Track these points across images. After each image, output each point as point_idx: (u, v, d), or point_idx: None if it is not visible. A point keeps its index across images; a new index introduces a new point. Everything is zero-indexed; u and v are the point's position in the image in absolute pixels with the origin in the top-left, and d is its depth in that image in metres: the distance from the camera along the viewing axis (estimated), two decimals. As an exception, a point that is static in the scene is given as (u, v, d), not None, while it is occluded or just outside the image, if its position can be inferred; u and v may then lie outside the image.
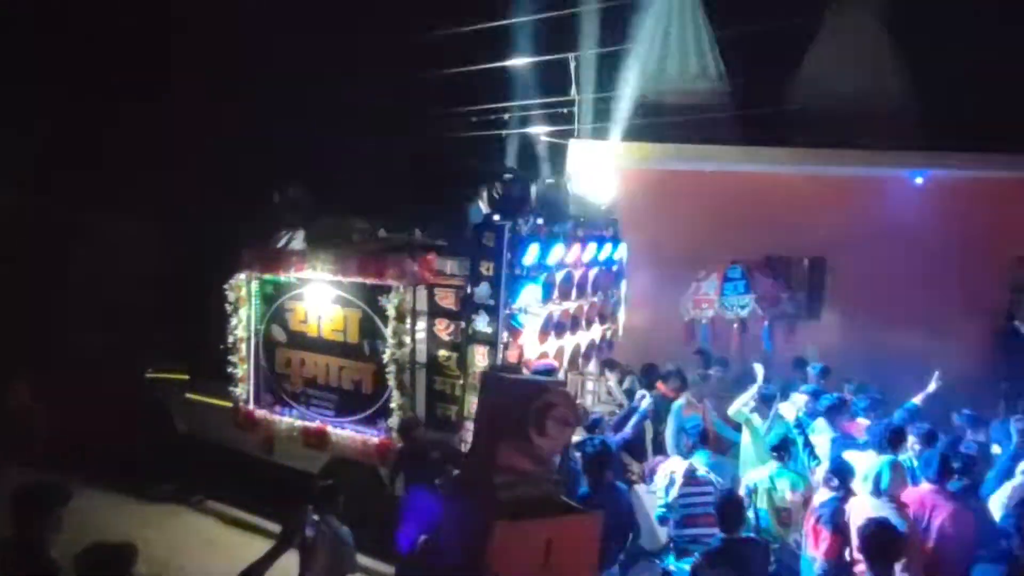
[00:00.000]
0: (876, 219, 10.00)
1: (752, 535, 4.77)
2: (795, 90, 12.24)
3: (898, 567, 4.01)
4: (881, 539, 3.89)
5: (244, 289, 7.29)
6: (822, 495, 4.97)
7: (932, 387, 6.60)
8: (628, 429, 6.24)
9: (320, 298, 6.86)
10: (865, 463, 5.07)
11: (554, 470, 3.55)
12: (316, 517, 4.29)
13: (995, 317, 9.88)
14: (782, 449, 5.48)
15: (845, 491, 4.84)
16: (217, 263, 7.50)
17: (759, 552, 4.48)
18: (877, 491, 4.65)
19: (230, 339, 7.37)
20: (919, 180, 10.13)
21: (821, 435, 6.10)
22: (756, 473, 5.57)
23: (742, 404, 6.17)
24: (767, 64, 11.43)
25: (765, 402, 6.53)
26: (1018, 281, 9.92)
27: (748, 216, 9.92)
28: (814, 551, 4.73)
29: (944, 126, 10.13)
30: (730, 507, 4.46)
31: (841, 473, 4.90)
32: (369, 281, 6.46)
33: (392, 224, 7.78)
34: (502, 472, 2.94)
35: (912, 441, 5.60)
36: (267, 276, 7.21)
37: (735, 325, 8.20)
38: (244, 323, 7.32)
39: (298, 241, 7.30)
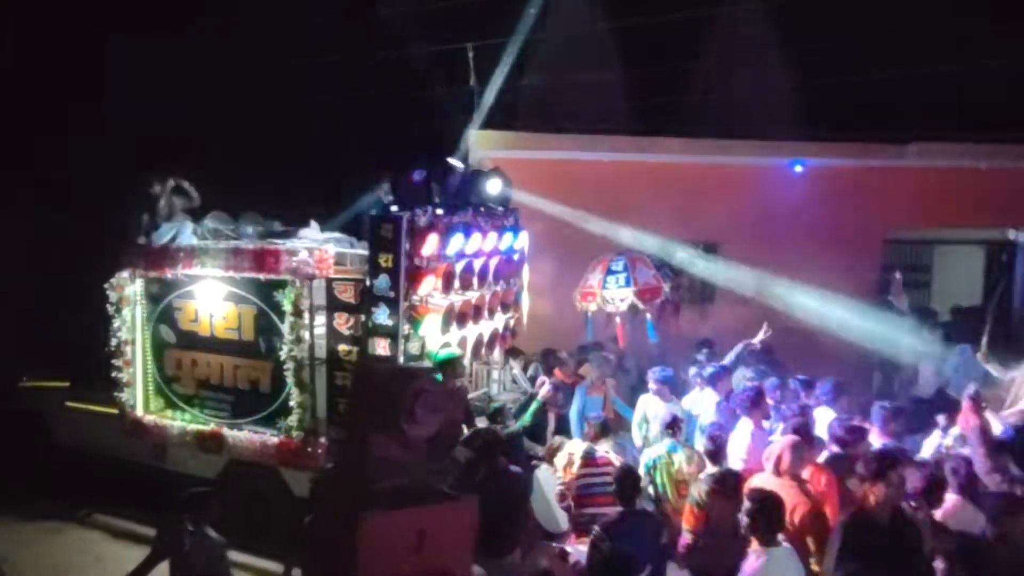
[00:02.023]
0: (762, 206, 10.57)
1: (646, 508, 4.95)
2: (688, 81, 12.73)
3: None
4: (761, 507, 4.10)
5: (127, 288, 6.89)
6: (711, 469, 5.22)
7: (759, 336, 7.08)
8: (527, 416, 6.34)
9: (211, 295, 6.57)
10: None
11: (439, 459, 3.54)
12: (190, 527, 4.12)
13: (870, 294, 10.65)
14: (673, 426, 5.72)
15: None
16: (97, 262, 7.06)
17: (653, 524, 4.68)
18: (777, 471, 4.86)
19: (113, 342, 6.95)
20: (799, 169, 10.76)
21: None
22: (654, 450, 5.80)
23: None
24: (661, 55, 11.79)
25: (665, 384, 6.82)
26: (889, 261, 10.74)
27: (644, 204, 10.25)
28: (685, 523, 4.97)
29: (821, 118, 10.79)
30: (627, 481, 4.63)
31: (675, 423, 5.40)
32: (263, 276, 6.25)
33: (288, 217, 7.55)
34: (375, 463, 2.92)
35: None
36: (152, 274, 6.85)
37: (616, 318, 8.34)
38: (128, 324, 6.92)
39: (185, 236, 6.95)
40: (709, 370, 7.01)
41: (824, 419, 5.95)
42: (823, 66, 10.67)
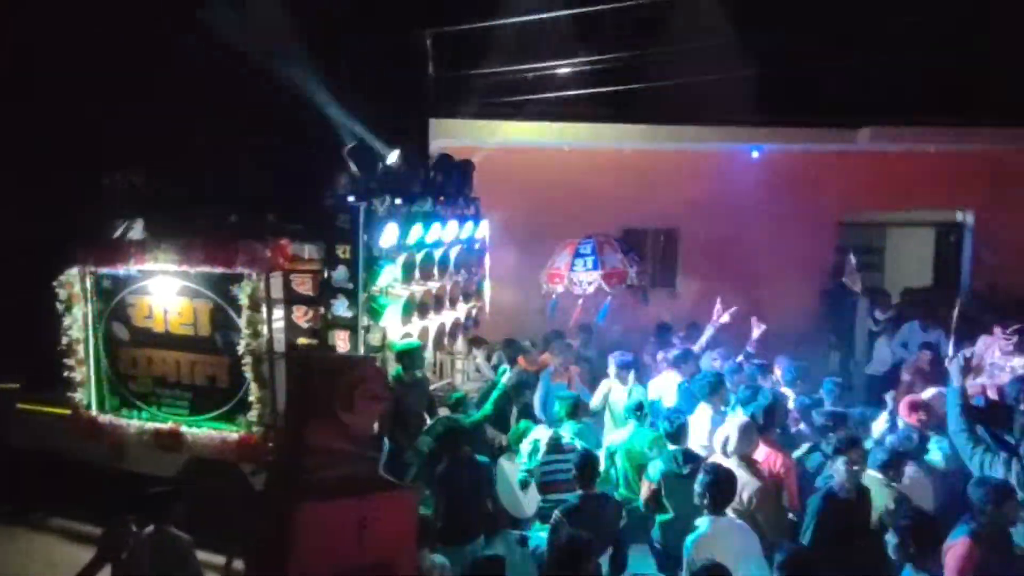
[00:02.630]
0: (721, 191, 10.73)
1: (606, 492, 5.03)
2: (646, 68, 12.79)
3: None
4: (712, 480, 4.26)
5: (77, 285, 6.69)
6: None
7: (755, 334, 7.13)
8: (488, 404, 6.35)
9: (165, 291, 6.42)
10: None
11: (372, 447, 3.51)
12: (151, 527, 4.04)
13: (824, 276, 10.90)
14: (638, 410, 5.79)
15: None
16: (45, 258, 6.84)
17: (612, 507, 4.76)
18: (725, 452, 4.99)
19: (64, 341, 6.75)
20: (755, 154, 10.93)
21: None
22: (616, 435, 5.86)
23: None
24: (620, 43, 11.82)
25: (625, 369, 6.88)
26: (842, 243, 10.99)
27: (605, 191, 10.33)
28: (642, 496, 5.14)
29: (777, 104, 10.94)
30: (587, 465, 4.70)
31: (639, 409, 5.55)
32: (218, 270, 6.12)
33: (244, 209, 7.40)
34: (314, 453, 2.89)
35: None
36: (103, 270, 6.65)
37: (580, 301, 8.40)
38: (79, 322, 6.72)
39: (137, 231, 6.78)
40: (674, 353, 7.10)
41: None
42: (778, 53, 10.82)
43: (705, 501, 4.24)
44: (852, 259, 9.25)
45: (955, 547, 3.74)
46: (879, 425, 5.74)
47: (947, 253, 12.23)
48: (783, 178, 10.83)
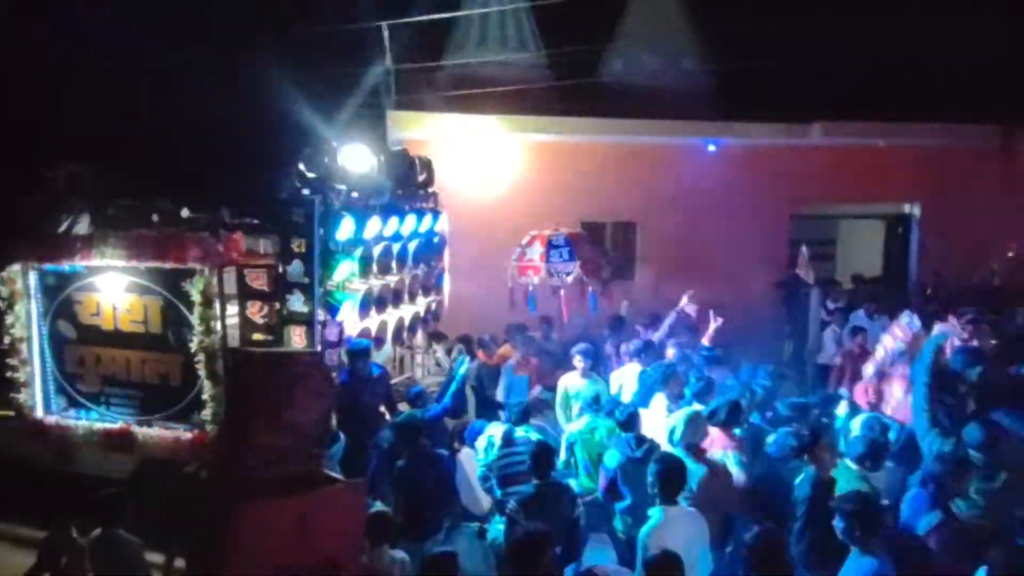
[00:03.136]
0: (678, 184, 10.86)
1: (560, 480, 5.06)
2: (607, 63, 12.89)
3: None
4: (662, 470, 4.35)
5: (20, 282, 6.43)
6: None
7: (712, 327, 7.24)
8: (447, 398, 6.34)
9: (113, 287, 6.22)
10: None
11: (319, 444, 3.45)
12: (98, 531, 3.94)
13: (779, 268, 11.13)
14: (596, 402, 5.83)
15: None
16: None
17: (567, 495, 4.80)
18: (671, 441, 5.06)
19: (6, 340, 6.51)
20: (712, 148, 11.08)
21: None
22: (574, 425, 5.90)
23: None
24: (580, 37, 11.87)
25: (586, 360, 6.91)
26: (796, 236, 11.23)
27: (564, 184, 10.36)
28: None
29: (733, 99, 11.12)
30: (542, 454, 4.74)
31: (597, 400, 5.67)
32: (169, 265, 5.96)
33: (197, 203, 7.21)
34: (255, 451, 2.82)
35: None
36: (48, 266, 6.42)
37: (561, 292, 8.44)
38: (23, 320, 6.47)
39: (83, 225, 6.55)
40: (635, 343, 7.16)
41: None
42: (735, 48, 11.00)
43: (656, 491, 4.29)
44: (805, 251, 9.46)
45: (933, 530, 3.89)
46: (840, 412, 5.88)
47: (896, 244, 12.60)
48: (739, 172, 11.01)
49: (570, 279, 8.21)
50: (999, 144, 11.55)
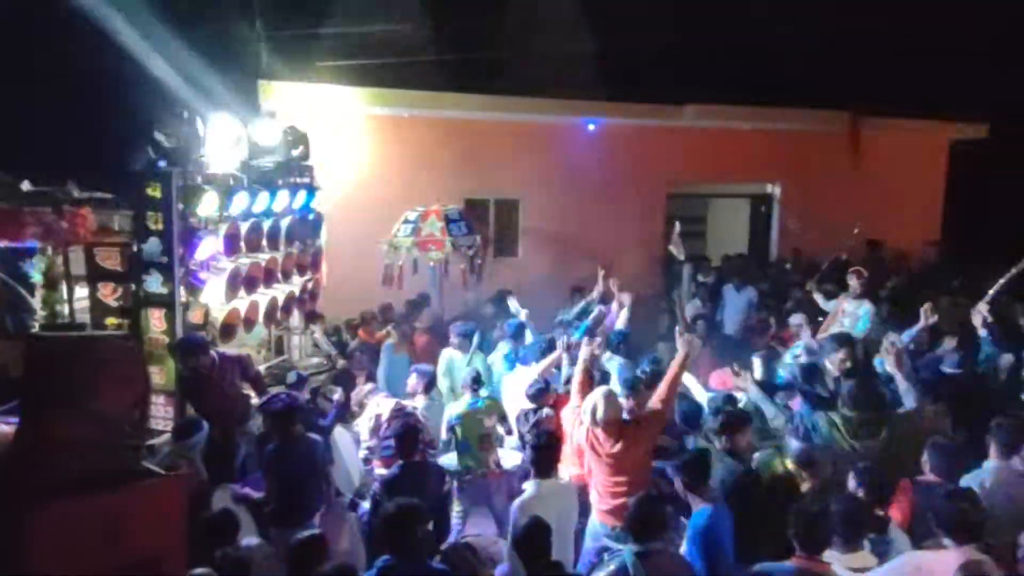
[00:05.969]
0: (560, 162, 11.03)
1: (427, 460, 5.07)
2: (490, 39, 12.78)
3: None
4: (541, 444, 4.47)
5: None
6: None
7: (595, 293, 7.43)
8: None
9: (-61, 268, 5.58)
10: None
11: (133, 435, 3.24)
12: None
13: (658, 244, 11.57)
14: (476, 382, 5.84)
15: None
16: None
17: (434, 473, 4.81)
18: (594, 421, 5.10)
19: None
20: (592, 127, 11.31)
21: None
22: (455, 406, 5.88)
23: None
24: (465, 12, 11.70)
25: (466, 339, 6.91)
26: (671, 213, 11.70)
27: (446, 161, 10.25)
28: None
29: (612, 79, 11.37)
30: (406, 435, 4.73)
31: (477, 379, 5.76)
32: (4, 243, 5.41)
33: (40, 176, 6.55)
34: (54, 447, 2.59)
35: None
36: None
37: (462, 266, 8.36)
38: None
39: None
40: (513, 320, 7.19)
41: (614, 368, 6.36)
42: (616, 29, 11.23)
43: (532, 466, 4.37)
44: (677, 228, 9.85)
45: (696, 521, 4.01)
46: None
47: (759, 222, 13.42)
48: (618, 151, 11.31)
49: (472, 252, 8.19)
50: (848, 129, 12.52)
